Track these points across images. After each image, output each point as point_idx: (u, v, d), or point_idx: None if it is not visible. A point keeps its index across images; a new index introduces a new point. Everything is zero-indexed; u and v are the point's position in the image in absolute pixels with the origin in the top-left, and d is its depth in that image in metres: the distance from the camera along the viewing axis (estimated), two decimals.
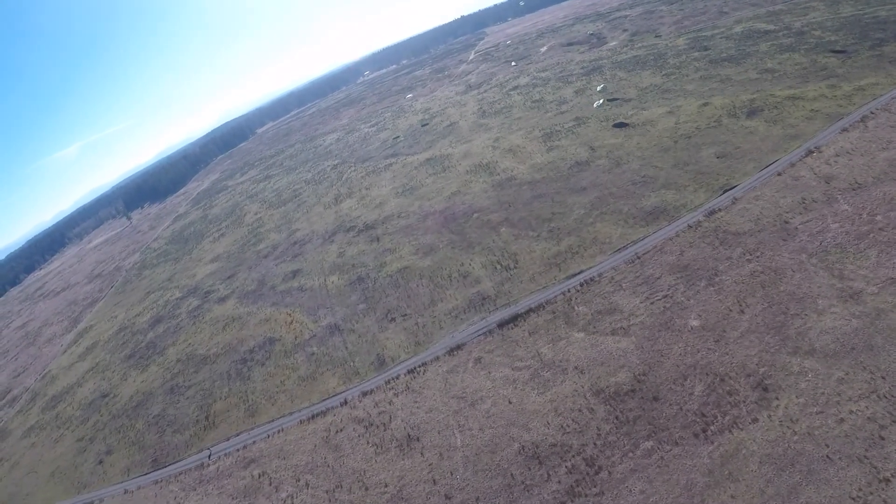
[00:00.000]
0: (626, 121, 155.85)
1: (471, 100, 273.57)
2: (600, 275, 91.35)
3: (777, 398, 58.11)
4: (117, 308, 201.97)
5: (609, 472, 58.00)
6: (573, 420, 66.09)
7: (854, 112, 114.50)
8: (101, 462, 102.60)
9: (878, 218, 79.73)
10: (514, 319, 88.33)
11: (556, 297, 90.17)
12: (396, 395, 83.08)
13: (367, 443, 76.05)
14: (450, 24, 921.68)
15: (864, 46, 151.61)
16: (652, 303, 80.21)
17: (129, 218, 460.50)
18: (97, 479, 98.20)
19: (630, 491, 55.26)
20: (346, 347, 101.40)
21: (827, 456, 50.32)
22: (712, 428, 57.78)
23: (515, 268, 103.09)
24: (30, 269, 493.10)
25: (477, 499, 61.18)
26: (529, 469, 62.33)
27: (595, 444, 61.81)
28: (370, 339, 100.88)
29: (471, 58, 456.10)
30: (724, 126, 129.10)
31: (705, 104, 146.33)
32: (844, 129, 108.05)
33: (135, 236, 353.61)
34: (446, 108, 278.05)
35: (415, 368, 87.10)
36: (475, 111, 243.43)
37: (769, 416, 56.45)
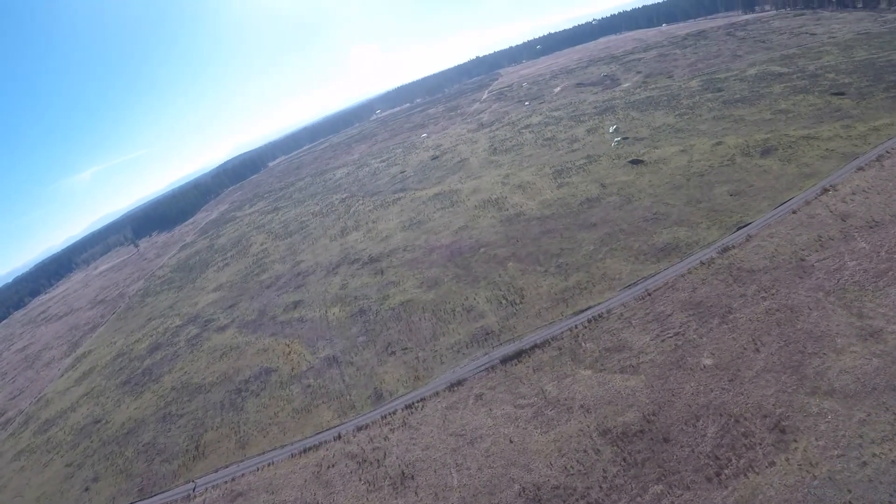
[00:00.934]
0: (639, 158, 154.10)
1: (482, 137, 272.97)
2: (609, 311, 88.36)
3: (795, 440, 54.72)
4: (117, 334, 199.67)
5: None
6: (578, 461, 62.50)
7: (870, 151, 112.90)
8: (87, 489, 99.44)
9: None
10: (519, 355, 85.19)
11: (562, 333, 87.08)
12: (392, 430, 79.71)
13: (360, 479, 72.58)
14: (465, 64, 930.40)
15: (878, 88, 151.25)
16: (663, 340, 77.06)
17: (136, 245, 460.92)
18: None
19: None
20: (344, 380, 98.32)
21: (849, 502, 46.67)
22: (726, 472, 54.23)
23: (521, 303, 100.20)
24: (35, 293, 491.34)
25: None
26: None
27: (601, 487, 58.14)
28: (368, 372, 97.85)
29: (484, 97, 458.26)
30: (738, 164, 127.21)
31: (718, 143, 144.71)
32: (860, 168, 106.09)
33: (140, 263, 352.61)
34: (457, 144, 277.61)
35: (413, 403, 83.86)
36: (486, 148, 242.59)
37: (787, 460, 52.97)
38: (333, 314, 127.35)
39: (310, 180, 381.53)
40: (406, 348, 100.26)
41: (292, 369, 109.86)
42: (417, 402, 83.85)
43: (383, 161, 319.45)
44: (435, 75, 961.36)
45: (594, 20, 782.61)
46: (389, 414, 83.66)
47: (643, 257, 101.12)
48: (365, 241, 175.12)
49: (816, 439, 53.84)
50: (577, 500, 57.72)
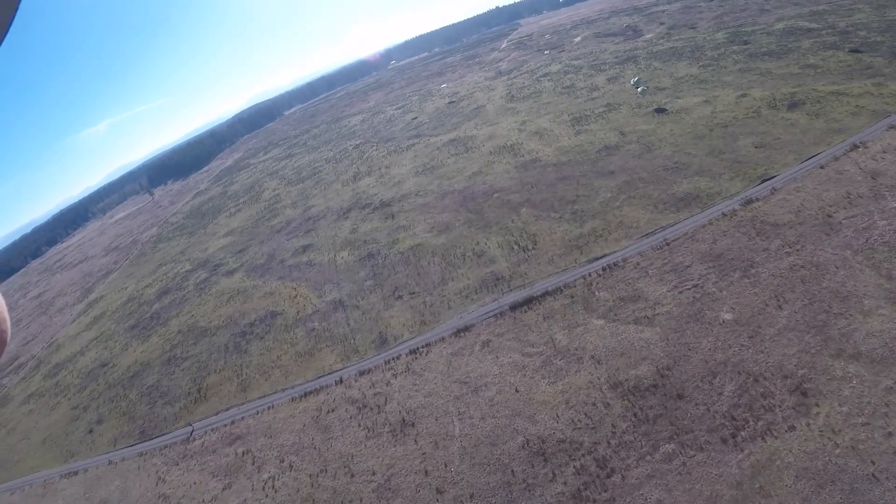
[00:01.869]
0: (661, 107, 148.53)
1: (500, 85, 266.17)
2: (625, 260, 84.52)
3: (817, 405, 51.23)
4: (129, 280, 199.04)
5: (622, 476, 51.51)
6: (586, 414, 59.56)
7: None
8: (90, 431, 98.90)
9: None
10: (529, 302, 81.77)
11: (575, 280, 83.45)
12: (395, 376, 77.17)
13: (359, 425, 70.37)
14: (484, 14, 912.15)
15: None
16: (680, 292, 73.24)
17: (151, 194, 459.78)
18: (85, 448, 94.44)
19: (645, 500, 48.77)
20: (349, 324, 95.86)
21: (873, 474, 43.64)
22: (743, 434, 51.02)
23: (534, 249, 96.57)
24: (52, 242, 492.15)
25: (471, 496, 54.97)
26: (533, 466, 55.98)
27: (609, 443, 55.30)
28: (374, 316, 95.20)
29: (503, 46, 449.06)
30: (764, 117, 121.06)
31: (743, 95, 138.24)
32: (892, 126, 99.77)
33: (155, 211, 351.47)
34: (474, 92, 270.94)
35: (418, 349, 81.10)
36: (503, 95, 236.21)
37: (808, 425, 49.62)
38: (342, 258, 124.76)
39: (325, 127, 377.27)
40: (413, 293, 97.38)
41: (297, 312, 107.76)
42: (422, 347, 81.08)
43: (399, 108, 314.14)
44: (454, 25, 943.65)
45: None
46: (393, 359, 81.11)
47: (662, 206, 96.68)
48: (377, 186, 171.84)
49: (840, 405, 50.41)
50: (583, 455, 54.92)
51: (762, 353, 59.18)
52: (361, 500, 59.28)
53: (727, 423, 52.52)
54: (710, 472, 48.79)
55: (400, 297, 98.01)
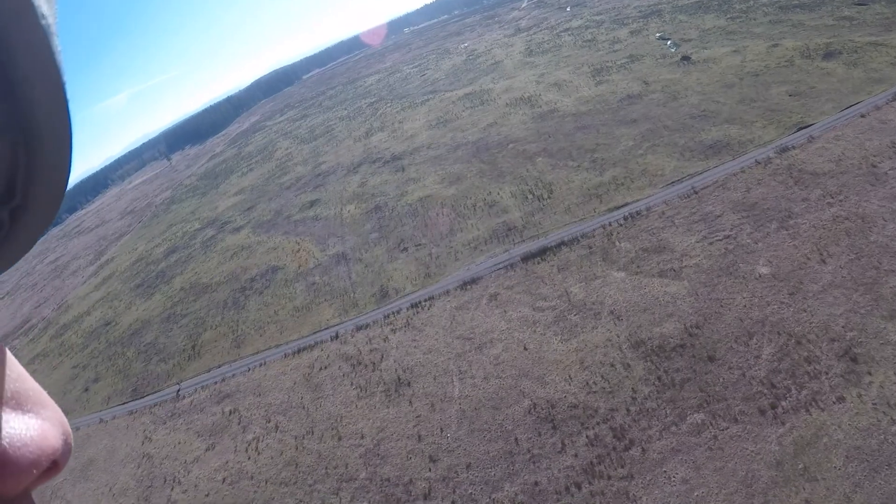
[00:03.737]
0: (686, 56, 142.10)
1: (519, 41, 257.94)
2: (648, 209, 77.75)
3: (870, 372, 44.37)
4: (140, 241, 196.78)
5: (643, 450, 45.03)
6: (602, 377, 53.01)
7: None
8: (86, 389, 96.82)
9: None
10: (542, 253, 75.44)
11: (594, 230, 76.93)
12: (394, 331, 71.36)
13: (351, 384, 64.82)
14: None
15: None
16: (710, 243, 66.41)
17: (169, 159, 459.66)
18: (80, 406, 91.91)
19: (668, 478, 42.33)
20: (350, 278, 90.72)
21: None
22: (784, 404, 44.26)
23: (549, 198, 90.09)
24: (72, 210, 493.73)
25: (468, 465, 48.83)
26: (539, 434, 49.62)
27: (628, 410, 48.74)
28: (377, 269, 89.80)
29: (523, 5, 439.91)
30: (797, 66, 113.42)
31: (775, 45, 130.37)
32: None
33: (171, 175, 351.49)
34: (492, 48, 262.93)
35: (420, 303, 75.27)
36: (522, 51, 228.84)
37: (859, 396, 42.84)
38: (348, 211, 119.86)
39: (340, 88, 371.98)
40: (419, 244, 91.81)
41: (299, 267, 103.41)
42: (425, 301, 75.26)
43: (415, 67, 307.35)
44: None
45: None
46: (393, 313, 75.45)
47: (689, 154, 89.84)
48: (389, 140, 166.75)
49: None
50: (597, 423, 48.53)
51: (805, 311, 52.30)
52: (347, 466, 53.70)
53: (765, 392, 45.90)
54: (745, 448, 42.34)
55: (405, 249, 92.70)
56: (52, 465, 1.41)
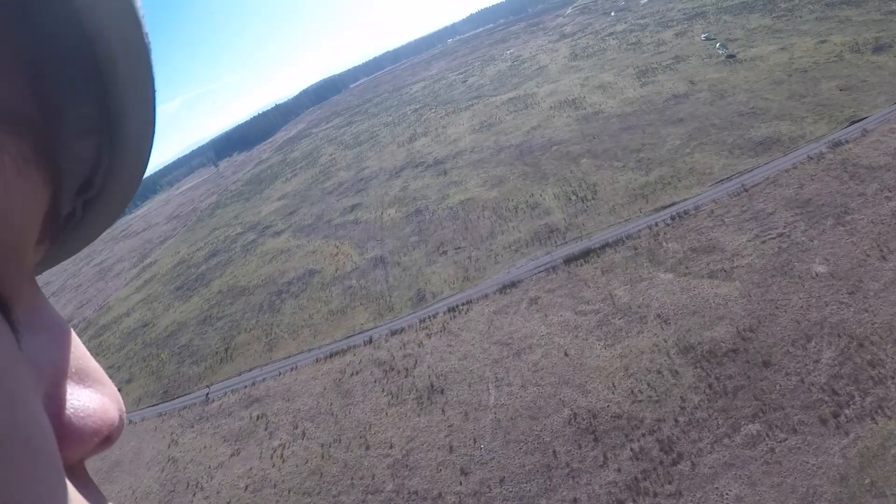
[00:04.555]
0: (732, 54, 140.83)
1: (563, 46, 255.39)
2: (697, 208, 74.29)
3: None
4: (182, 244, 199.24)
5: (692, 464, 41.28)
6: (649, 384, 49.33)
7: None
8: (119, 390, 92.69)
9: None
10: (586, 255, 72.18)
11: (639, 231, 73.63)
12: (429, 336, 68.58)
13: (382, 391, 62.16)
14: None
15: None
16: (763, 242, 62.57)
17: (216, 165, 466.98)
18: None
19: (721, 496, 38.63)
20: (387, 281, 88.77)
21: None
22: (847, 412, 40.23)
23: (593, 199, 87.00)
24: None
25: (501, 480, 45.45)
26: (580, 447, 46.01)
27: (676, 420, 44.95)
28: (415, 272, 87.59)
29: (568, 12, 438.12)
30: (847, 61, 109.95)
31: (823, 41, 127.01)
32: None
33: (218, 181, 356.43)
34: (537, 54, 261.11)
35: (457, 306, 72.41)
36: (566, 55, 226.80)
37: None
38: (388, 215, 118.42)
39: (386, 96, 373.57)
40: (459, 247, 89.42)
41: (336, 270, 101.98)
42: (463, 305, 72.45)
43: (460, 74, 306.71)
44: None
45: None
46: (430, 317, 72.84)
47: (738, 151, 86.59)
48: (432, 145, 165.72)
49: None
50: (643, 435, 44.92)
51: (866, 311, 48.26)
52: (374, 478, 50.93)
53: (827, 399, 41.92)
54: (805, 461, 38.36)
55: (444, 252, 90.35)
56: (107, 437, 1.54)
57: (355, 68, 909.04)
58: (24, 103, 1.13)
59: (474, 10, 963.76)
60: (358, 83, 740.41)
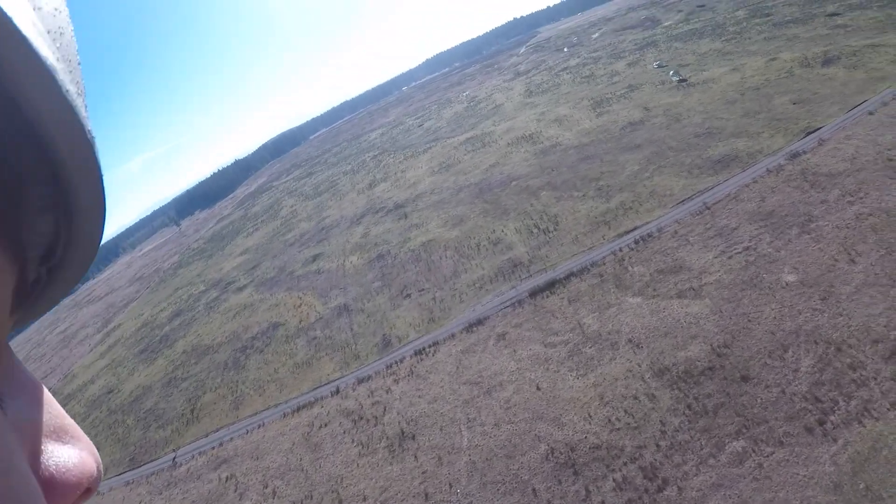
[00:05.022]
0: (684, 78, 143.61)
1: (518, 84, 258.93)
2: (660, 230, 74.38)
3: None
4: (146, 306, 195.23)
5: (679, 489, 39.99)
6: (626, 411, 48.12)
7: None
8: None
9: None
10: (551, 286, 71.41)
11: (604, 257, 73.26)
12: (397, 381, 66.96)
13: (352, 441, 60.17)
14: (502, 26, 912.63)
15: None
16: (729, 257, 62.62)
17: (178, 224, 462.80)
18: None
19: None
20: (352, 329, 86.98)
21: None
22: (833, 418, 39.49)
23: (555, 230, 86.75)
24: (84, 280, 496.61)
25: None
26: (560, 482, 44.53)
27: (658, 445, 43.74)
28: (379, 318, 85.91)
29: (521, 51, 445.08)
30: (798, 75, 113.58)
31: (773, 59, 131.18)
32: None
33: (180, 240, 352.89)
34: (492, 94, 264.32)
35: (424, 349, 71.06)
36: (521, 92, 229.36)
37: None
38: (351, 262, 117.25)
39: (345, 144, 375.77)
40: (423, 289, 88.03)
41: (300, 322, 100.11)
42: (429, 347, 71.08)
43: (417, 118, 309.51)
44: (473, 40, 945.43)
45: None
46: (396, 362, 71.24)
47: (697, 171, 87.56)
48: (392, 189, 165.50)
49: None
50: (624, 464, 43.52)
51: (841, 315, 48.08)
52: None
53: (810, 407, 41.15)
54: (795, 473, 37.35)
55: (408, 295, 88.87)
56: (87, 489, 1.68)
57: (314, 119, 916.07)
58: None
59: (430, 56, 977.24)
60: (317, 134, 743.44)
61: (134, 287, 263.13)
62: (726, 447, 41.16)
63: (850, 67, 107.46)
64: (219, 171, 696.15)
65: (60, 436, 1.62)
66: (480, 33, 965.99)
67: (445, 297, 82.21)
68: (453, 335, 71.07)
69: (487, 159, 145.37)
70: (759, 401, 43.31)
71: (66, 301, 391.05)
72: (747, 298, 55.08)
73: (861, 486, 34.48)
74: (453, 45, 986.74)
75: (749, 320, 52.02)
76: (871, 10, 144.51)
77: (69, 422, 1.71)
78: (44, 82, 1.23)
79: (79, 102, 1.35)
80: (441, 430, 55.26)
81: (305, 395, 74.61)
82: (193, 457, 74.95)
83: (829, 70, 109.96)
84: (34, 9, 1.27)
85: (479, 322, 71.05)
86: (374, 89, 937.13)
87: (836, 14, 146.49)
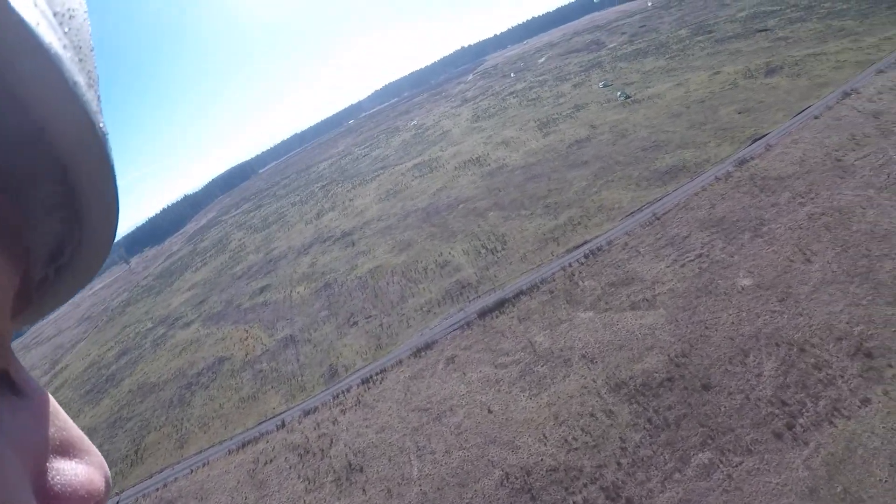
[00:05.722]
0: (629, 95, 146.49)
1: (465, 110, 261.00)
2: (610, 243, 74.05)
3: (890, 365, 39.37)
4: (93, 346, 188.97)
5: None
6: (583, 430, 46.37)
7: (887, 57, 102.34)
8: None
9: None
10: (500, 306, 70.08)
11: (553, 274, 72.34)
12: (344, 411, 64.46)
13: (298, 476, 57.32)
14: (451, 55, 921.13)
15: (880, 8, 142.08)
16: (682, 265, 62.25)
17: (127, 262, 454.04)
18: None
19: None
20: (298, 360, 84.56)
21: None
22: (802, 421, 38.48)
23: (503, 250, 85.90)
24: (32, 323, 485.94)
25: None
26: None
27: (619, 463, 41.93)
28: (326, 347, 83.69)
29: (469, 78, 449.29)
30: (742, 87, 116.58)
31: (716, 73, 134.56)
32: (881, 71, 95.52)
33: (129, 278, 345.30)
34: (440, 120, 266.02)
35: (371, 377, 68.77)
36: (469, 118, 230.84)
37: (886, 393, 37.46)
38: (298, 293, 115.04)
39: (294, 176, 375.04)
40: (370, 316, 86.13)
41: (246, 355, 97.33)
42: (377, 374, 68.84)
43: (366, 147, 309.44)
44: (421, 70, 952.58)
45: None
46: (343, 392, 68.73)
47: (645, 183, 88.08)
48: (340, 218, 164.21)
49: None
50: (584, 486, 41.58)
51: (801, 315, 47.62)
52: None
53: (777, 412, 40.09)
54: (768, 482, 35.95)
55: (355, 323, 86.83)
56: None
57: (264, 153, 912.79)
58: None
59: (379, 87, 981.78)
60: (266, 168, 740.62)
61: (82, 327, 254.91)
62: (692, 460, 39.66)
63: (793, 76, 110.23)
64: (168, 207, 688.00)
65: (67, 450, 1.54)
66: (429, 63, 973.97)
67: (393, 323, 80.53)
68: (401, 361, 69.17)
69: (435, 184, 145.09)
70: (722, 409, 42.08)
71: (14, 343, 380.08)
72: (703, 306, 54.46)
73: (839, 490, 33.29)
74: (402, 76, 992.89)
75: (706, 327, 51.24)
76: (811, 23, 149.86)
77: (76, 433, 1.64)
78: (47, 72, 1.13)
79: (89, 95, 1.25)
80: (390, 460, 52.99)
81: (251, 431, 71.94)
82: (137, 500, 71.38)
83: (773, 80, 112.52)
84: None
85: (428, 346, 69.33)
86: (324, 121, 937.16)
87: (773, 28, 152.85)
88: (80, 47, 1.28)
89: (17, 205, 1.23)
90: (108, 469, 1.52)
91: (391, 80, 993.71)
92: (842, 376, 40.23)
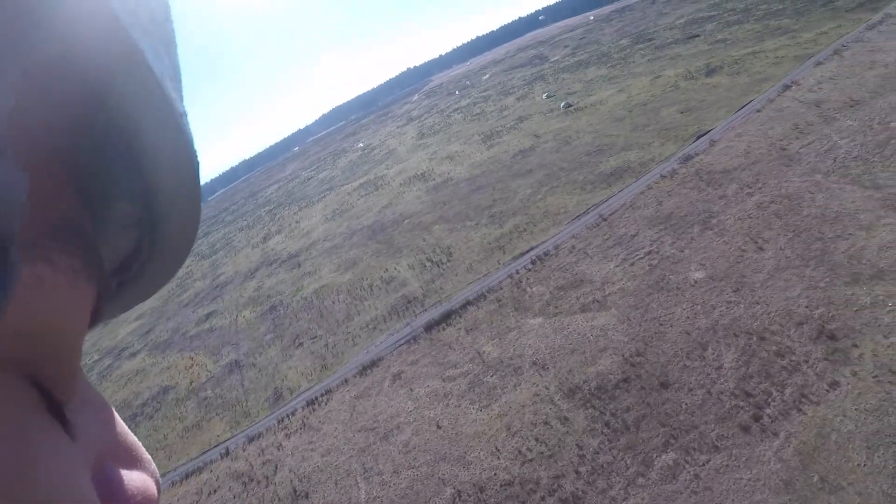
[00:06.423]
0: (571, 103, 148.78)
1: (411, 129, 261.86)
2: (556, 247, 73.67)
3: (856, 345, 38.80)
4: None
5: None
6: (537, 439, 44.76)
7: (824, 50, 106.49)
8: None
9: (895, 124, 66.39)
10: (447, 318, 68.93)
11: (500, 282, 71.63)
12: (288, 435, 62.29)
13: None
14: (397, 77, 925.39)
15: (815, 6, 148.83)
16: (632, 264, 61.90)
17: None
18: None
19: None
20: (243, 385, 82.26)
21: None
22: (769, 411, 37.42)
23: (449, 261, 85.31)
24: None
25: None
26: None
27: (577, 472, 40.20)
28: (271, 371, 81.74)
29: (414, 98, 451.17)
30: (682, 88, 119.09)
31: (657, 77, 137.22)
32: (819, 63, 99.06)
33: None
34: (386, 140, 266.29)
35: (316, 398, 66.85)
36: (414, 136, 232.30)
37: (855, 374, 36.80)
38: (243, 317, 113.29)
39: (242, 202, 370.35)
40: (315, 337, 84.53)
41: (191, 383, 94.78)
42: (322, 395, 66.96)
43: (313, 170, 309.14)
44: (368, 92, 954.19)
45: (541, 17, 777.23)
46: (287, 416, 66.70)
47: (590, 186, 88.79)
48: (286, 241, 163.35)
49: (885, 336, 38.23)
50: (542, 499, 39.74)
51: (758, 304, 47.19)
52: None
53: (742, 404, 39.02)
54: (739, 478, 34.55)
55: (300, 344, 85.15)
56: None
57: (212, 181, 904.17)
58: (74, 216, 1.15)
59: (326, 111, 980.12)
60: (215, 195, 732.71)
61: None
62: (655, 462, 38.19)
63: (733, 74, 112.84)
64: None
65: (125, 457, 1.54)
66: (376, 85, 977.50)
67: (338, 342, 79.08)
68: (346, 380, 67.45)
69: (380, 201, 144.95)
70: (683, 406, 40.98)
71: None
72: (655, 302, 53.92)
73: (815, 479, 32.08)
74: (350, 99, 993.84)
75: (660, 324, 50.55)
76: (749, 24, 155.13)
77: (132, 440, 1.65)
78: (160, 103, 1.11)
79: (189, 126, 1.23)
80: (336, 484, 50.86)
81: (194, 461, 69.27)
82: None
83: (714, 79, 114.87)
84: None
85: (374, 364, 67.75)
86: (272, 147, 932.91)
87: (711, 31, 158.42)
88: (177, 73, 1.23)
89: (99, 221, 1.19)
90: (160, 478, 1.57)
91: (339, 104, 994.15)
92: (806, 361, 39.60)
